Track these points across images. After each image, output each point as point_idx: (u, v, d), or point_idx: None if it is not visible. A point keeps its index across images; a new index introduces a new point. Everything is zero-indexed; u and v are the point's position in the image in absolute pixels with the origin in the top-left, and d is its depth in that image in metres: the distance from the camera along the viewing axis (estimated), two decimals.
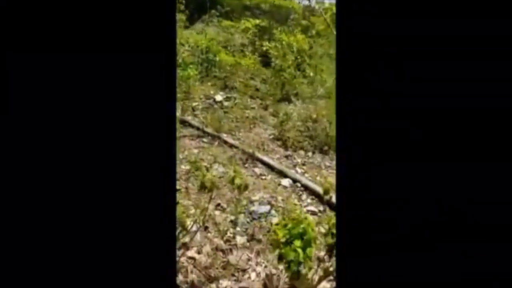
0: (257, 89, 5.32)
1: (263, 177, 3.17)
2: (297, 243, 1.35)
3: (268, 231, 2.49)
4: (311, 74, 5.09)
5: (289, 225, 1.46)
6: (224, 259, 2.20)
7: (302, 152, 3.72)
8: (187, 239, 2.07)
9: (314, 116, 4.33)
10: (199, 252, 2.22)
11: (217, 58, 5.70)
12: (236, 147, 3.55)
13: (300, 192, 3.03)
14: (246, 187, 1.67)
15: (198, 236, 2.27)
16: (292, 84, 5.08)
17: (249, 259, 2.23)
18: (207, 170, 3.14)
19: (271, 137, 3.93)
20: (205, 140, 3.70)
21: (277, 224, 2.68)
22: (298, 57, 5.55)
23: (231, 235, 2.42)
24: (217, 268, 2.11)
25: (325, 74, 5.46)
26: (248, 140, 3.80)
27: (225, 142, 3.68)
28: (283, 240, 1.41)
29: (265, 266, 2.18)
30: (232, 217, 2.58)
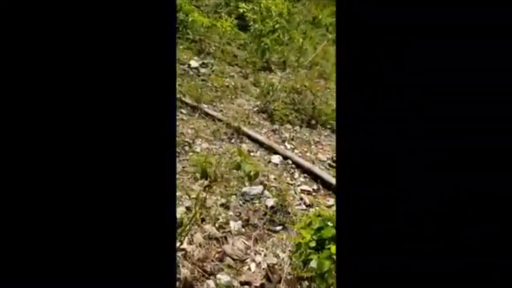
0: (235, 56, 4.91)
1: (252, 154, 2.91)
2: (333, 249, 1.11)
3: (265, 214, 2.28)
4: (299, 41, 4.75)
5: (316, 224, 1.22)
6: (219, 249, 1.96)
7: (289, 126, 3.48)
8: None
9: (298, 86, 4.08)
10: (190, 243, 1.96)
11: (190, 19, 5.14)
12: (219, 120, 3.23)
13: (292, 170, 2.83)
14: (257, 174, 1.40)
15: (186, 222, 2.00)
16: (274, 51, 4.74)
17: (247, 248, 2.02)
18: (190, 146, 2.82)
19: (256, 109, 3.64)
20: (184, 111, 3.33)
21: (272, 208, 2.49)
22: (278, 22, 5.17)
23: (224, 221, 2.17)
24: (212, 261, 1.88)
25: (307, 42, 5.16)
26: (231, 112, 3.48)
27: (207, 114, 3.33)
28: (312, 244, 1.16)
29: (265, 255, 1.98)
30: (223, 200, 2.33)
